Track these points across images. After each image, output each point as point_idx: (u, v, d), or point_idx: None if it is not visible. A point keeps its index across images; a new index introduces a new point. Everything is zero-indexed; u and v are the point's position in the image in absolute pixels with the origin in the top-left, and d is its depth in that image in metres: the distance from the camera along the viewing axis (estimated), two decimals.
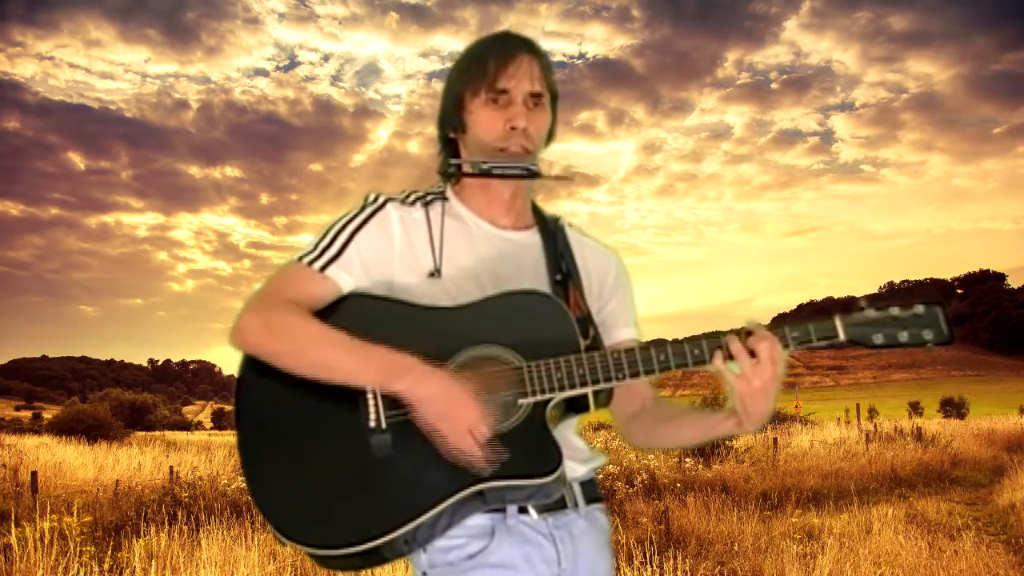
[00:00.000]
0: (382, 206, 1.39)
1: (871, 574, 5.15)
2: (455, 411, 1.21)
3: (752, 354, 1.25)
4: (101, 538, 6.74)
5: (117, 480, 9.83)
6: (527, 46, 1.39)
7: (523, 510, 1.33)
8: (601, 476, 9.15)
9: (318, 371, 1.26)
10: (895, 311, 1.31)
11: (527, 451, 1.26)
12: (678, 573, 4.97)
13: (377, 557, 1.24)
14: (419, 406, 1.23)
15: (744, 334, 1.27)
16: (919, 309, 1.31)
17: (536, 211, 1.51)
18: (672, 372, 1.33)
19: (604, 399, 1.38)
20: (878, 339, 1.30)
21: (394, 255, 1.36)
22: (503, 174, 1.37)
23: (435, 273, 1.36)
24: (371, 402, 1.26)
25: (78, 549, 4.90)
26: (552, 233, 1.48)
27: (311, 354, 1.26)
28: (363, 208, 1.39)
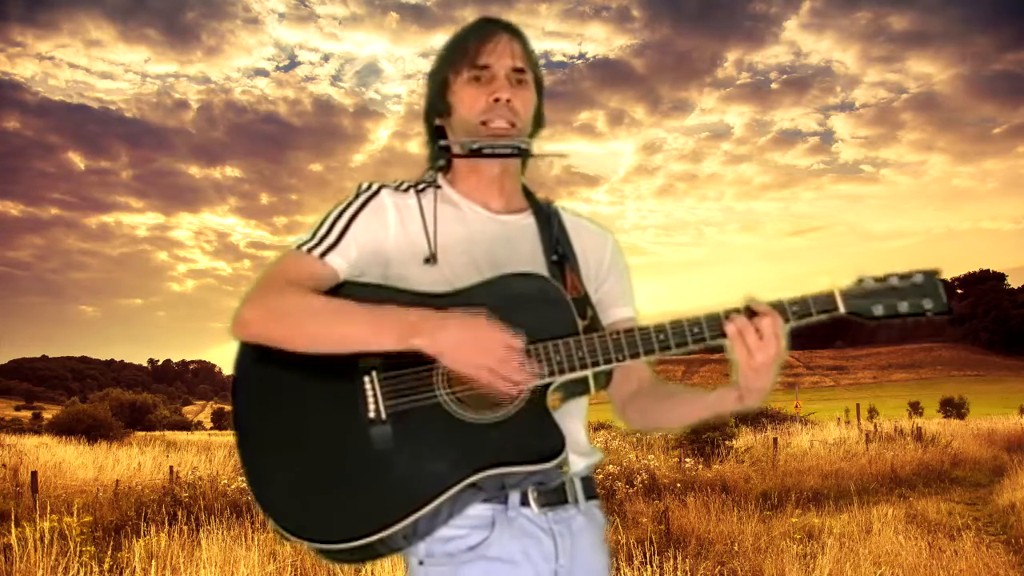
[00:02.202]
0: (376, 193, 1.40)
1: (871, 574, 5.15)
2: (483, 346, 1.21)
3: (755, 330, 1.25)
4: (101, 538, 6.74)
5: (117, 480, 9.82)
6: (507, 27, 1.42)
7: (524, 503, 1.33)
8: (601, 476, 9.15)
9: (329, 345, 1.25)
10: (894, 281, 1.31)
11: (529, 436, 1.26)
12: (678, 573, 4.97)
13: (378, 550, 1.24)
14: (445, 355, 1.22)
15: (745, 310, 1.27)
16: (918, 278, 1.31)
17: (528, 195, 1.51)
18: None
19: (604, 381, 1.38)
20: (878, 310, 1.30)
21: (389, 241, 1.37)
22: (492, 153, 1.37)
23: (431, 259, 1.36)
24: (370, 393, 1.26)
25: (78, 549, 4.91)
26: (546, 215, 1.48)
27: (320, 329, 1.25)
28: (357, 196, 1.40)
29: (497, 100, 1.38)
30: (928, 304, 1.30)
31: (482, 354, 1.21)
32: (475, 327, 1.22)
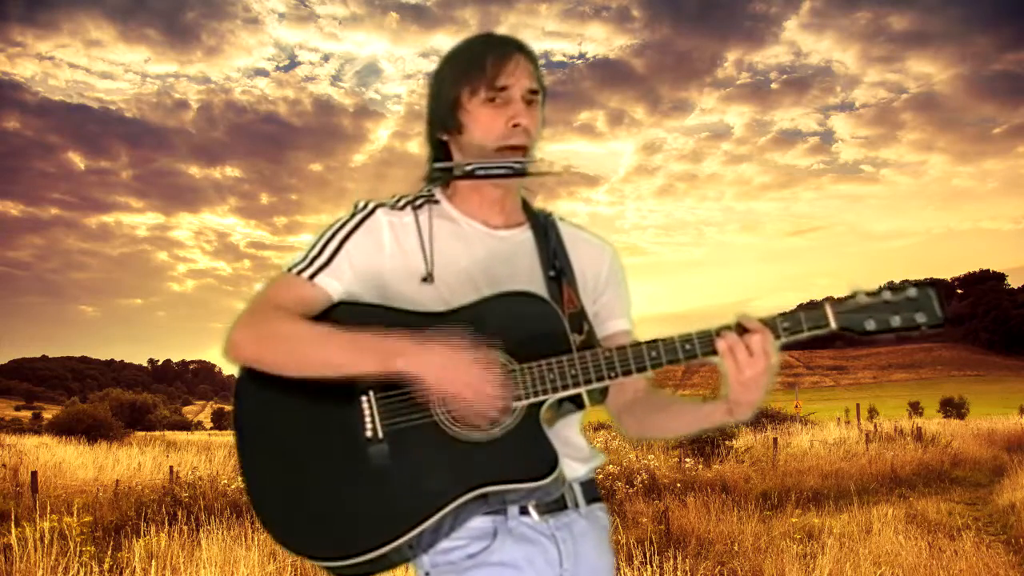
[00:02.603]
0: (371, 212, 1.39)
1: (871, 574, 5.15)
2: (460, 369, 1.21)
3: (745, 347, 1.25)
4: (101, 538, 6.74)
5: (117, 480, 9.82)
6: (520, 46, 1.41)
7: (524, 511, 1.33)
8: (601, 476, 9.16)
9: (315, 370, 1.26)
10: (887, 295, 1.29)
11: (524, 454, 1.26)
12: (678, 573, 4.97)
13: (382, 564, 1.25)
14: (424, 378, 1.22)
15: (736, 327, 1.28)
16: (911, 292, 1.29)
17: (526, 208, 1.51)
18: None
19: (599, 396, 1.38)
20: (870, 325, 1.29)
21: (385, 261, 1.36)
22: (489, 174, 1.36)
23: (428, 277, 1.36)
24: (367, 412, 1.27)
25: (78, 549, 4.91)
26: (544, 229, 1.48)
27: (306, 355, 1.26)
28: (352, 216, 1.39)
29: (516, 125, 1.37)
30: (922, 318, 1.28)
31: (458, 378, 1.21)
32: (452, 351, 1.22)
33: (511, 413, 1.27)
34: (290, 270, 1.35)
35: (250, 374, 1.32)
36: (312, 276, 1.33)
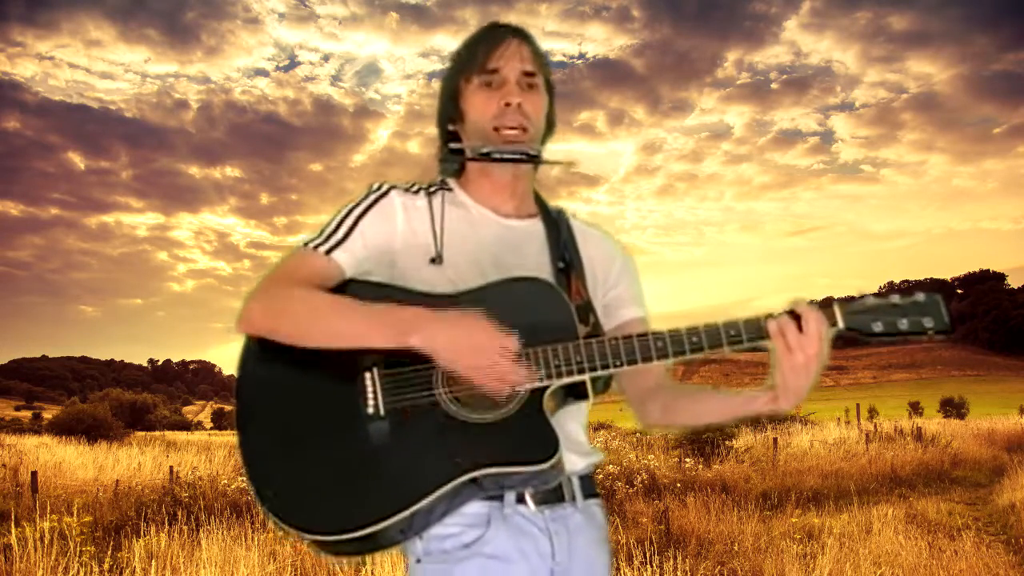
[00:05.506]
0: (386, 193, 1.41)
1: (871, 574, 5.15)
2: (477, 346, 1.21)
3: (799, 328, 1.24)
4: (101, 538, 6.73)
5: (117, 480, 9.82)
6: (516, 31, 1.43)
7: (521, 500, 1.33)
8: (601, 476, 9.15)
9: (328, 340, 1.26)
10: (895, 299, 1.30)
11: (524, 438, 1.26)
12: (678, 573, 4.97)
13: (373, 543, 1.24)
14: (439, 354, 1.22)
15: (789, 313, 1.26)
16: (919, 297, 1.30)
17: (539, 201, 1.52)
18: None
19: (602, 386, 1.38)
20: (877, 327, 1.29)
21: (396, 241, 1.38)
22: (503, 158, 1.38)
23: (437, 259, 1.37)
24: (369, 389, 1.27)
25: (78, 549, 4.90)
26: (555, 222, 1.49)
27: (319, 325, 1.26)
28: (367, 195, 1.41)
29: (508, 104, 1.38)
30: (929, 323, 1.28)
31: (476, 354, 1.21)
32: (470, 327, 1.22)
33: (517, 397, 1.27)
34: (307, 245, 1.37)
35: (254, 348, 1.32)
36: (329, 251, 1.35)
